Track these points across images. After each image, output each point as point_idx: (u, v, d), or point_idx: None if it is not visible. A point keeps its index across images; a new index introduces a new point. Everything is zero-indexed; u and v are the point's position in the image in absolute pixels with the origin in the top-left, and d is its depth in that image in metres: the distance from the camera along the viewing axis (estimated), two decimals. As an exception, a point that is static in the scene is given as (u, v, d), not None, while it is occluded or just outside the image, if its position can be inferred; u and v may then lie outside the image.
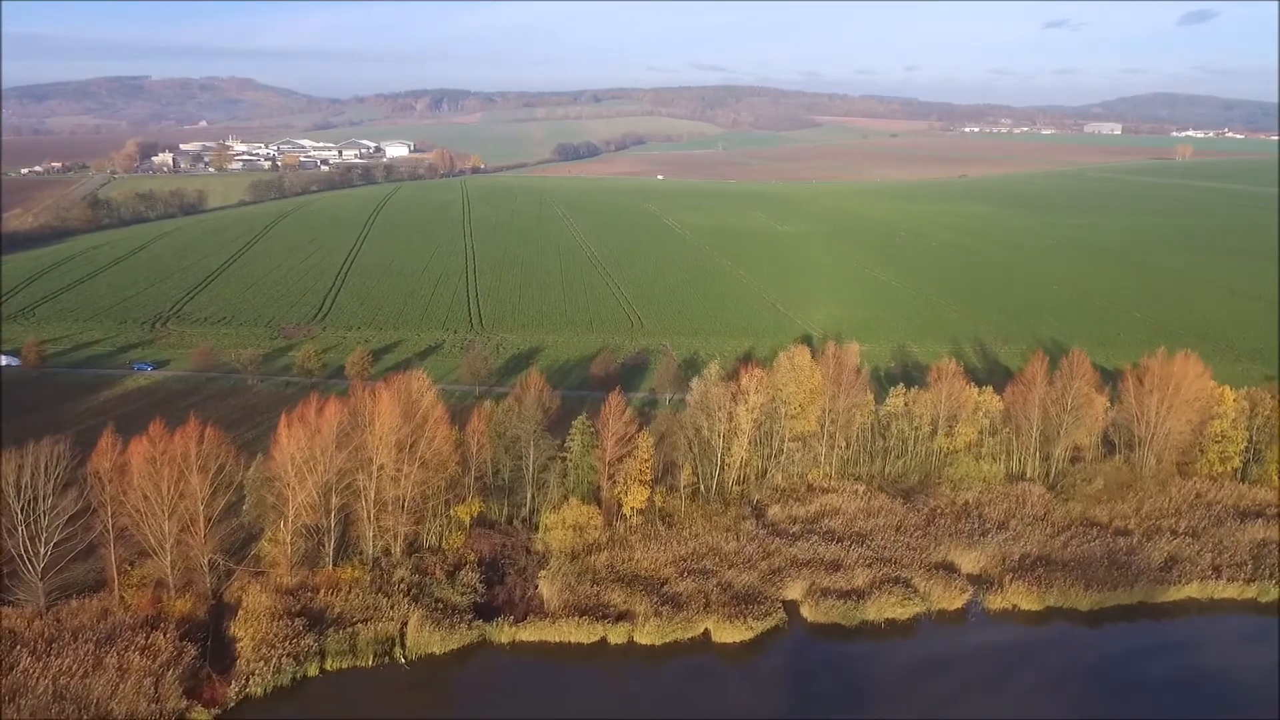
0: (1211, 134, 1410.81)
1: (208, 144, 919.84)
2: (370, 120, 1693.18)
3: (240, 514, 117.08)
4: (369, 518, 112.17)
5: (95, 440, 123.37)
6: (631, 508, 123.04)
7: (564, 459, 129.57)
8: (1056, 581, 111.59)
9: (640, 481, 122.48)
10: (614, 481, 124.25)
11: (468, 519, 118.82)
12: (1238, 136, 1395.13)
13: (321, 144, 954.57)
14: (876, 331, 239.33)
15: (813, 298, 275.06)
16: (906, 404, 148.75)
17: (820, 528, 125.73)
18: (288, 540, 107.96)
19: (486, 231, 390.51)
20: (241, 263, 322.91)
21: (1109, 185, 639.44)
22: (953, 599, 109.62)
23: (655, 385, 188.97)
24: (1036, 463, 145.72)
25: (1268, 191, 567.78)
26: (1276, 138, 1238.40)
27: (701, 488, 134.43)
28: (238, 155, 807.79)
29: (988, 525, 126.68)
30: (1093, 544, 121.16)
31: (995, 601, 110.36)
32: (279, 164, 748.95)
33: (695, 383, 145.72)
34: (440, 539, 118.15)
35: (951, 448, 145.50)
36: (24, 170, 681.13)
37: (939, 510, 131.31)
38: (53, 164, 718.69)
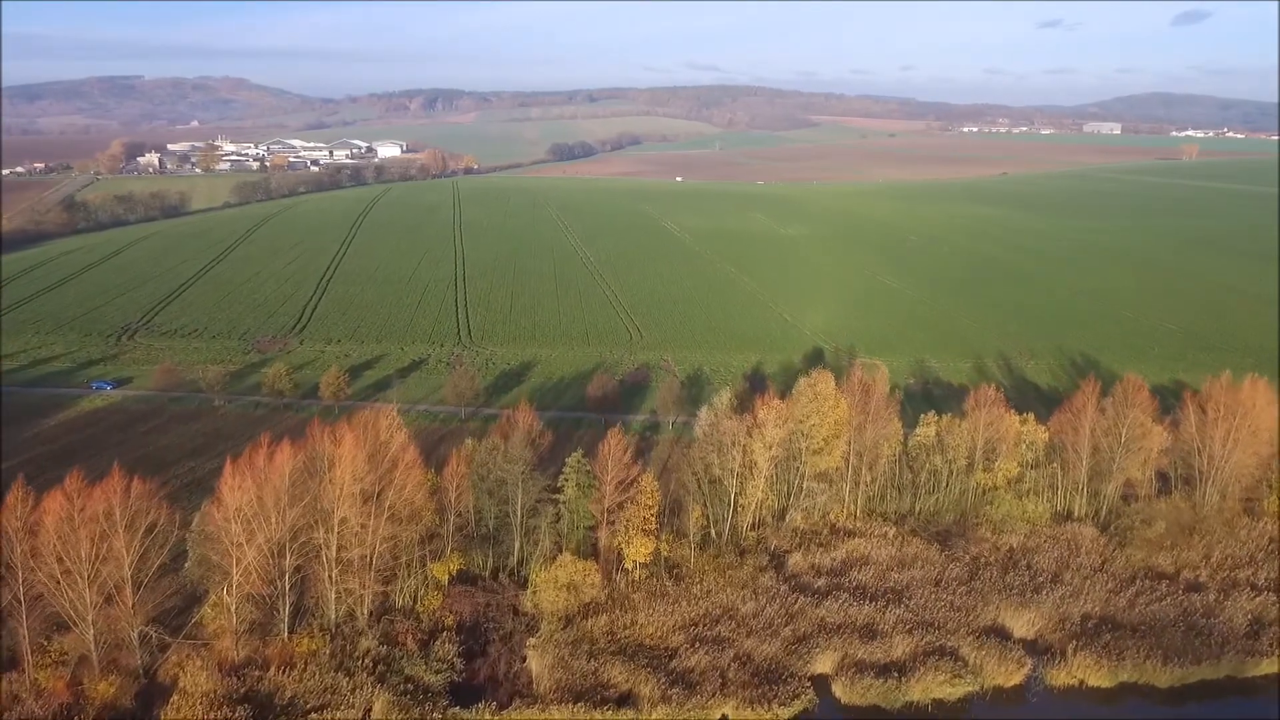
0: (1211, 134, 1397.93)
1: (196, 144, 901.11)
2: (364, 120, 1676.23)
3: (181, 572, 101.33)
4: (329, 579, 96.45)
5: (36, 475, 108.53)
6: (634, 561, 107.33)
7: (557, 501, 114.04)
8: (1128, 651, 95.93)
9: (644, 531, 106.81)
10: (613, 529, 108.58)
11: (445, 577, 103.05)
12: (1238, 136, 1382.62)
13: (312, 144, 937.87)
14: (892, 344, 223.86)
15: (822, 307, 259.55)
16: (939, 433, 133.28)
17: (849, 581, 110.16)
18: (233, 608, 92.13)
19: (478, 235, 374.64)
20: (219, 269, 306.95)
21: (1117, 186, 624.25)
22: (1009, 673, 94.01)
23: (657, 406, 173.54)
24: (1084, 500, 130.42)
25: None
26: (1277, 138, 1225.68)
27: (713, 532, 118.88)
28: (226, 156, 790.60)
29: (1039, 578, 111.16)
30: (1163, 602, 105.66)
31: (1058, 676, 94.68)
32: (267, 165, 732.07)
33: (704, 412, 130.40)
34: (414, 599, 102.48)
35: (991, 484, 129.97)
36: (5, 171, 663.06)
37: (982, 559, 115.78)
38: (35, 165, 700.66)
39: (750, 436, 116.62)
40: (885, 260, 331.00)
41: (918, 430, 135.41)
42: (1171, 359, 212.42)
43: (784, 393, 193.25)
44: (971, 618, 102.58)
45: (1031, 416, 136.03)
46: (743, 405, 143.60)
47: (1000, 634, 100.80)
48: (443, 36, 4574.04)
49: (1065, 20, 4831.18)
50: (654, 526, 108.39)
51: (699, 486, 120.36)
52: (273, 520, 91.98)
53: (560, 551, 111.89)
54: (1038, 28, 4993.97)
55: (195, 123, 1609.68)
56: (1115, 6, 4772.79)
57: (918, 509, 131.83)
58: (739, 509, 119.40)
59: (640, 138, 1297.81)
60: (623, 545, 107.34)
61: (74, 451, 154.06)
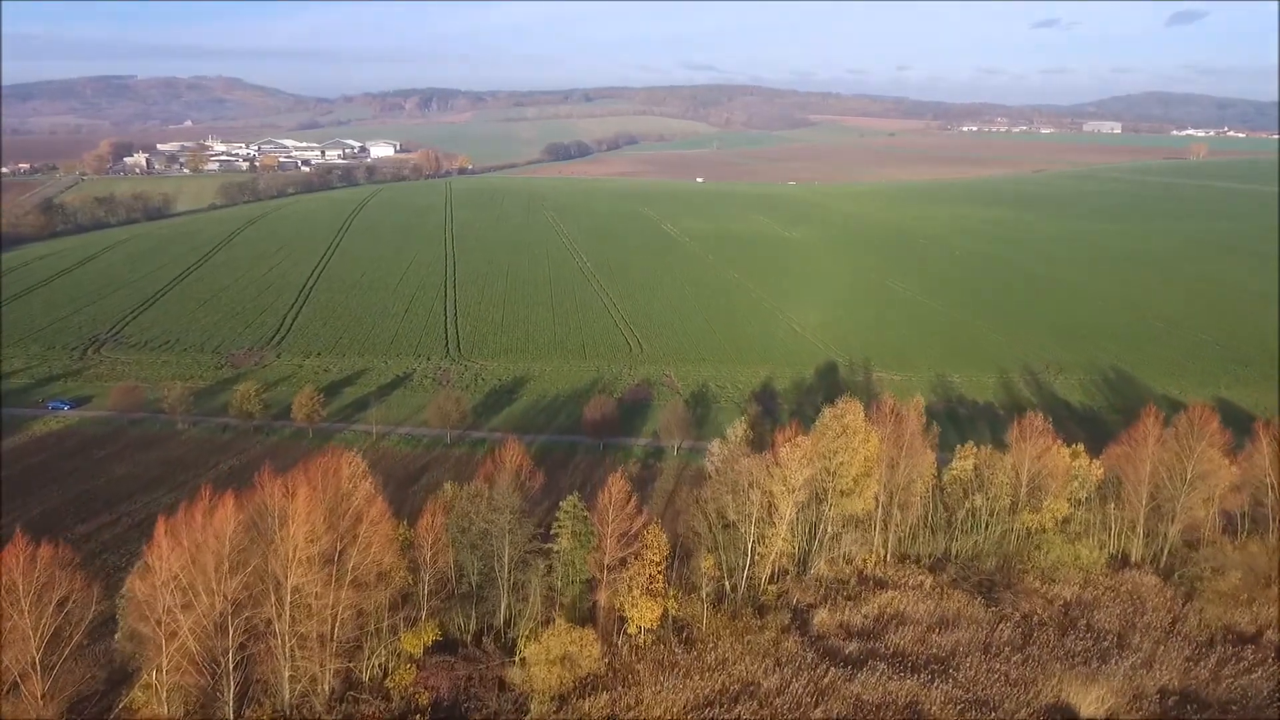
0: (1213, 133, 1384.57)
1: (185, 144, 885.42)
2: (358, 120, 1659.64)
3: (112, 643, 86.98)
4: (282, 655, 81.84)
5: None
6: (639, 626, 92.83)
7: (549, 551, 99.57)
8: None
9: (650, 592, 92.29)
10: (614, 589, 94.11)
11: (419, 648, 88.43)
12: (1240, 135, 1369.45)
13: (305, 144, 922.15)
14: (910, 357, 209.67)
15: (832, 316, 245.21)
16: (978, 467, 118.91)
17: (884, 646, 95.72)
18: (164, 694, 77.59)
19: (469, 238, 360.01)
20: (198, 275, 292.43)
21: (1128, 186, 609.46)
22: (1081, 767, 79.70)
23: (660, 429, 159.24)
24: (1141, 543, 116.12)
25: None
26: (1278, 137, 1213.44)
27: (727, 586, 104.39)
28: (215, 156, 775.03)
29: (1103, 641, 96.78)
30: (1253, 674, 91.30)
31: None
32: (257, 165, 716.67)
33: (716, 446, 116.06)
34: (383, 674, 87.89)
35: (1038, 525, 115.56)
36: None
37: (1034, 616, 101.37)
38: (20, 165, 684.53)
39: (770, 476, 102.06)
40: (895, 265, 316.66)
41: (953, 464, 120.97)
42: (1210, 374, 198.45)
43: (797, 411, 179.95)
44: (1031, 694, 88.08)
45: (1081, 448, 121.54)
46: (757, 434, 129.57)
47: (1066, 714, 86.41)
48: (438, 36, 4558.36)
49: (1060, 20, 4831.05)
50: (661, 586, 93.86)
51: (711, 532, 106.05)
52: (213, 589, 77.54)
53: (554, 608, 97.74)
54: (1033, 27, 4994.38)
55: (189, 122, 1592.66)
56: (1110, 6, 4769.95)
57: (954, 551, 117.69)
58: (757, 558, 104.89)
59: (637, 137, 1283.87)
60: (625, 607, 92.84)
61: (18, 484, 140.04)
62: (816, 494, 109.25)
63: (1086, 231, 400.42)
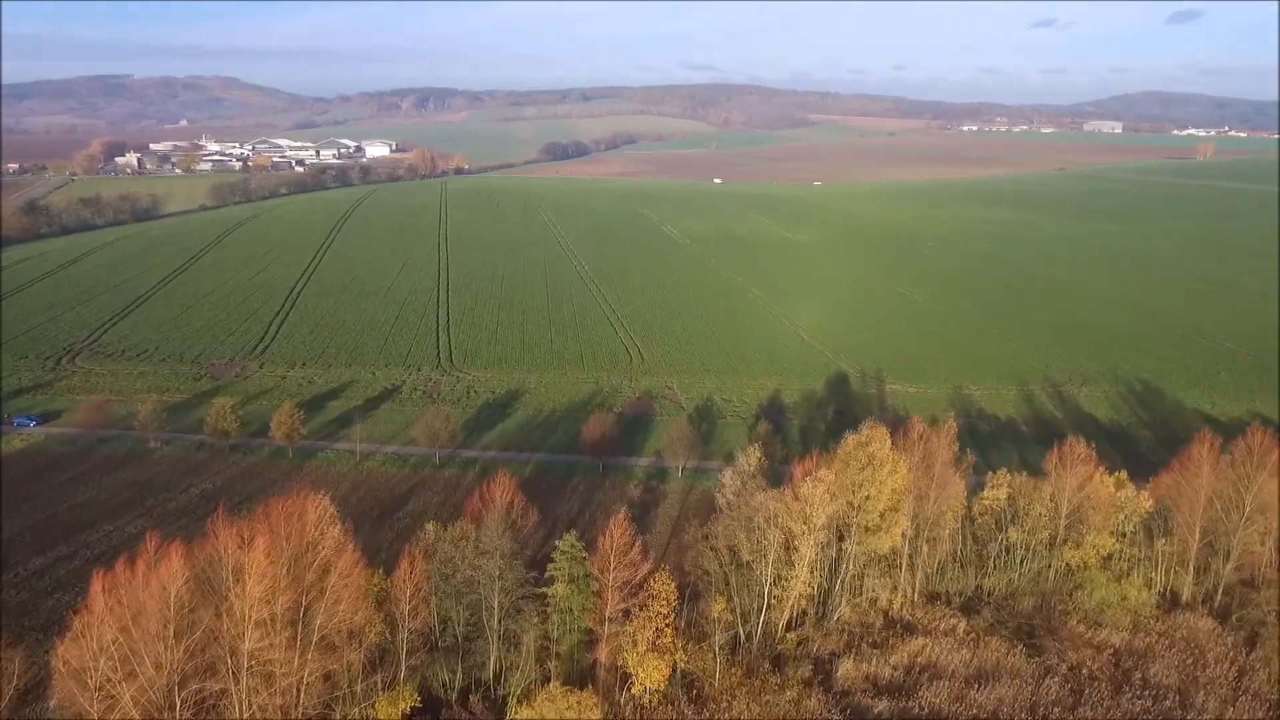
0: (1214, 132, 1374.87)
1: (179, 144, 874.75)
2: (355, 119, 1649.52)
3: (46, 710, 76.96)
4: (239, 726, 71.64)
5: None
6: (645, 685, 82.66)
7: (544, 595, 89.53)
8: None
9: (657, 649, 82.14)
10: (616, 643, 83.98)
11: (397, 716, 78.19)
12: (1242, 135, 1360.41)
13: (299, 143, 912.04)
14: (924, 368, 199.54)
15: (840, 323, 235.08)
16: (1012, 497, 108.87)
17: (918, 705, 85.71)
18: (99, 777, 67.29)
19: (464, 241, 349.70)
20: (182, 279, 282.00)
21: (1136, 187, 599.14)
22: None
23: (664, 448, 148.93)
24: (1191, 580, 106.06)
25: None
26: (1278, 136, 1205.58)
27: (741, 633, 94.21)
28: (209, 155, 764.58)
29: (1165, 699, 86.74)
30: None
31: None
32: (250, 165, 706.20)
33: (728, 476, 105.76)
34: (356, 743, 77.68)
35: (1081, 561, 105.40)
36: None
37: (1083, 669, 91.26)
38: (10, 165, 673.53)
39: (789, 513, 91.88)
40: (903, 269, 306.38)
41: (985, 493, 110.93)
42: (1241, 385, 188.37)
43: (808, 427, 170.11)
44: (1088, 766, 78.07)
45: (1124, 475, 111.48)
46: (770, 459, 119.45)
47: (1128, 789, 76.38)
48: (436, 35, 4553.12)
49: (1059, 20, 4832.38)
50: (669, 640, 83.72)
51: (723, 570, 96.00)
52: (158, 656, 67.34)
53: (550, 659, 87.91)
54: (1031, 27, 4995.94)
55: (184, 122, 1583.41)
56: (1108, 6, 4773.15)
57: (987, 589, 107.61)
58: (773, 602, 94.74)
59: (635, 137, 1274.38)
60: (630, 665, 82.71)
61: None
62: (839, 529, 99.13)
63: (1098, 233, 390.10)
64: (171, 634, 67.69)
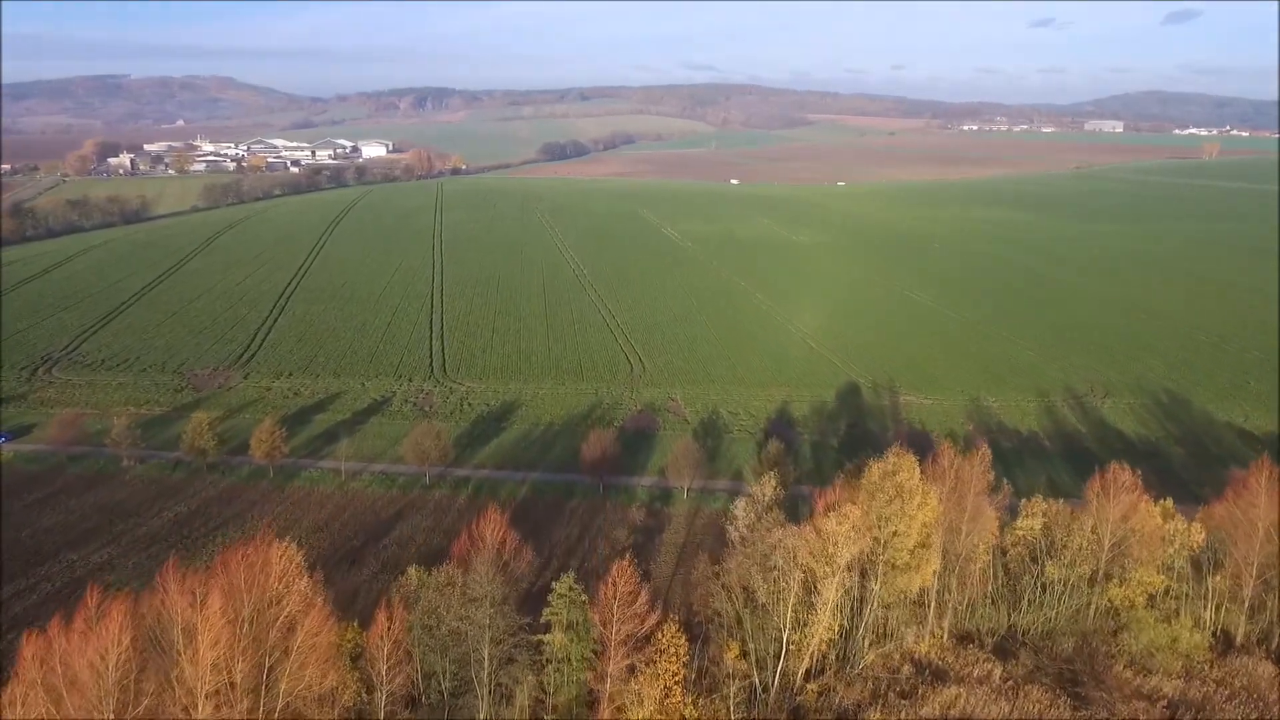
0: (1215, 132, 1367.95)
1: (173, 144, 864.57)
2: (352, 119, 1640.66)
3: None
4: (190, 809, 62.80)
5: None
6: (651, 750, 73.95)
7: (539, 642, 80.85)
8: None
9: (666, 712, 73.31)
10: (620, 703, 75.20)
11: (372, 789, 69.53)
12: (1244, 134, 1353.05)
13: (295, 143, 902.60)
14: (938, 378, 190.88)
15: (849, 329, 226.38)
16: (1048, 527, 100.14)
17: (955, 766, 76.92)
18: None
19: (459, 244, 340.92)
20: (168, 284, 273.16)
21: (1144, 188, 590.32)
22: None
23: (668, 467, 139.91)
24: (1245, 620, 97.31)
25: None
26: (1278, 135, 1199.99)
27: (757, 682, 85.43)
28: (203, 156, 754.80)
29: (1227, 761, 78.11)
30: None
31: None
32: (245, 165, 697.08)
33: (740, 507, 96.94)
34: (327, 819, 68.83)
35: (1126, 600, 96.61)
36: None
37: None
38: (4, 166, 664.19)
39: (811, 552, 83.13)
40: (911, 272, 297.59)
41: (1018, 522, 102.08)
42: (1273, 397, 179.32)
43: (819, 443, 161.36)
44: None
45: (1170, 504, 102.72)
46: (784, 482, 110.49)
47: None
48: (434, 35, 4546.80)
49: (1057, 20, 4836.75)
50: (679, 699, 74.96)
51: (734, 609, 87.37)
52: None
53: (545, 716, 79.31)
54: (1029, 27, 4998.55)
55: (181, 122, 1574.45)
56: (1106, 6, 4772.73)
57: (1021, 628, 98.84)
58: (792, 648, 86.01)
59: (634, 137, 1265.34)
60: (634, 727, 73.96)
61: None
62: (863, 566, 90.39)
63: (1109, 235, 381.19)
64: (111, 708, 59.11)
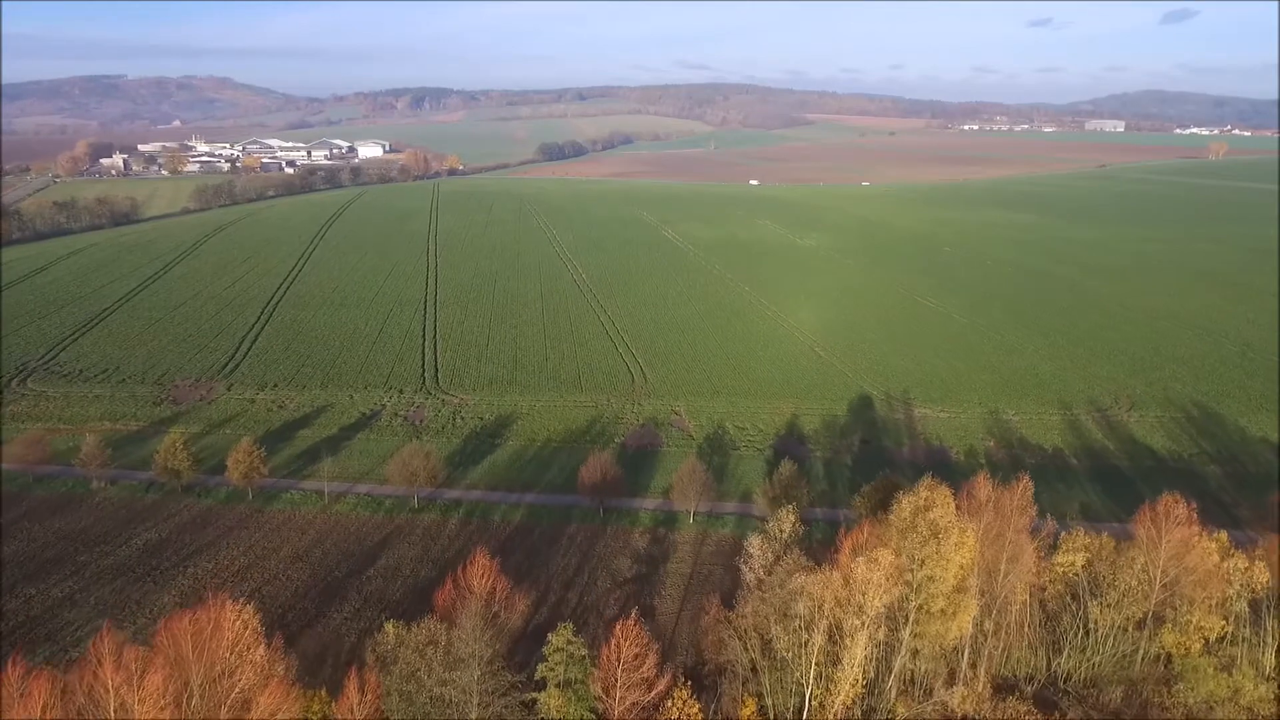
0: (1217, 131, 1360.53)
1: (167, 145, 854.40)
2: (349, 119, 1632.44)
3: None
4: None
5: None
6: (660, 832, 65.32)
7: (533, 701, 72.21)
8: None
9: (677, 791, 64.74)
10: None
11: None
12: (1245, 133, 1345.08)
13: (291, 144, 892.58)
14: (954, 389, 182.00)
15: (860, 338, 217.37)
16: (1090, 563, 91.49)
17: (1002, 846, 68.18)
18: None
19: (455, 247, 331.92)
20: (153, 289, 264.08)
21: (1155, 188, 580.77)
22: None
23: (674, 489, 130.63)
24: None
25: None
26: (1278, 135, 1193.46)
27: (775, 741, 76.78)
28: (197, 157, 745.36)
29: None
30: None
31: None
32: (239, 166, 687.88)
33: (755, 545, 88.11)
34: None
35: (1181, 646, 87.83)
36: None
37: (1200, 793, 73.94)
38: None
39: (838, 601, 74.41)
40: (922, 277, 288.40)
41: (1057, 558, 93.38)
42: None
43: (832, 460, 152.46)
44: None
45: (1225, 536, 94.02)
46: (797, 504, 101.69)
47: None
48: (432, 35, 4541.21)
49: (1054, 20, 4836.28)
50: (693, 774, 66.30)
51: (749, 656, 78.80)
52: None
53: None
54: (1027, 26, 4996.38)
55: (177, 122, 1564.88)
56: (1103, 6, 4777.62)
57: (1062, 673, 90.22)
58: (814, 705, 77.27)
59: (632, 136, 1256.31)
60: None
61: None
62: (892, 613, 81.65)
63: (1126, 238, 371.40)
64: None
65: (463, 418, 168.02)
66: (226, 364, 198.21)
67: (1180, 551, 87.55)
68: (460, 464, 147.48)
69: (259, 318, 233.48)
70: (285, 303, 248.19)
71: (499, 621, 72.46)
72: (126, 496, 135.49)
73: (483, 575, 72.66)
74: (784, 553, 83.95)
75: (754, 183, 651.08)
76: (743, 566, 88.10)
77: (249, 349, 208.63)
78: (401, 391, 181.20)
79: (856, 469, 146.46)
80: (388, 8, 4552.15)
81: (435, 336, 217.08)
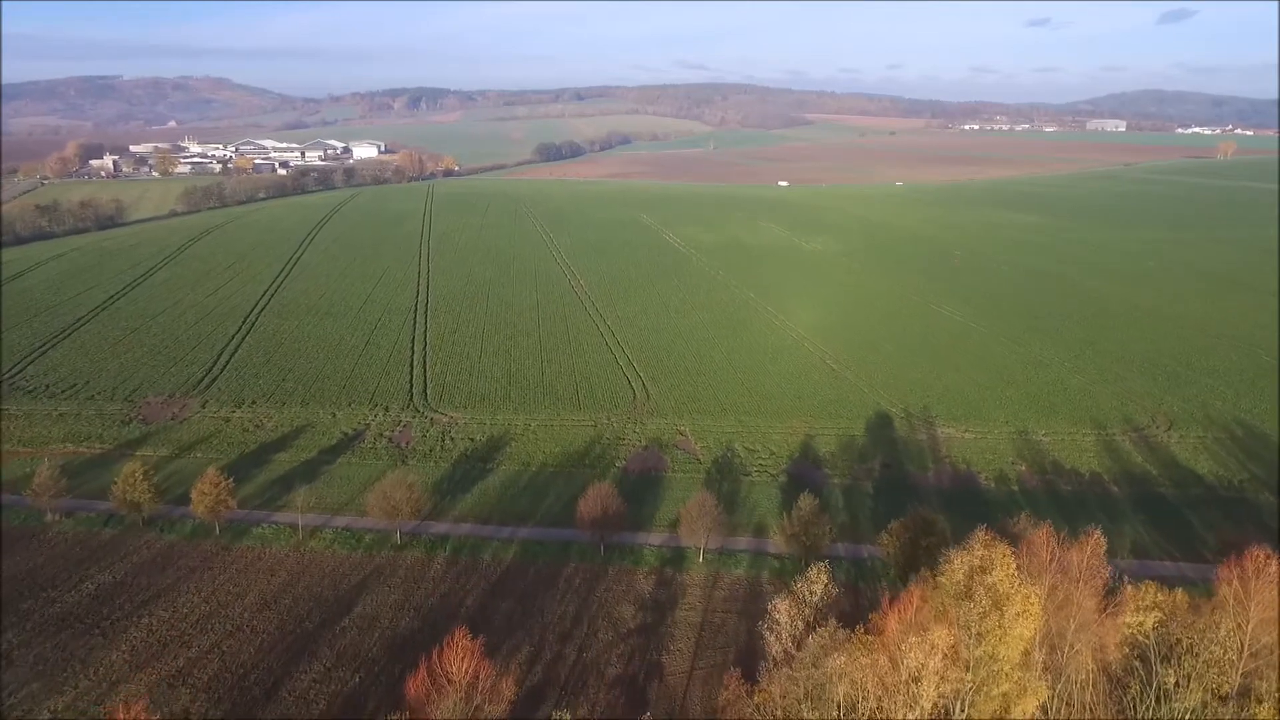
0: (1219, 130, 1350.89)
1: (159, 145, 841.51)
2: (345, 120, 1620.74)
3: None
4: None
5: None
6: None
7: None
8: None
9: None
10: None
11: None
12: (1247, 133, 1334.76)
13: (285, 145, 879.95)
14: (978, 406, 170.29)
15: (874, 350, 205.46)
16: (1162, 624, 79.66)
17: None
18: None
19: (448, 252, 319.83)
20: (131, 298, 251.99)
21: (1164, 189, 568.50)
22: None
23: (681, 525, 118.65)
24: None
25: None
26: (1278, 134, 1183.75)
27: None
28: (188, 158, 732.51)
29: None
30: None
31: None
32: (231, 167, 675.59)
33: (782, 610, 76.28)
34: None
35: (1273, 723, 76.17)
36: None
37: None
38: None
39: (884, 687, 62.64)
40: (934, 283, 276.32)
41: (1124, 618, 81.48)
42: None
43: (852, 488, 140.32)
44: None
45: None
46: (817, 541, 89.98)
47: None
48: (429, 35, 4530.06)
49: (1052, 20, 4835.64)
50: None
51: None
52: None
53: None
54: (1025, 26, 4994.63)
55: (173, 123, 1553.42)
56: (1101, 6, 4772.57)
57: (1129, 747, 78.41)
58: (856, 803, 65.51)
59: (630, 137, 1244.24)
60: None
61: None
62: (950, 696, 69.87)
63: (1133, 240, 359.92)
64: None
65: (452, 439, 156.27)
66: (202, 379, 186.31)
67: (1269, 613, 75.80)
68: (449, 491, 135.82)
69: (239, 328, 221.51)
70: (268, 312, 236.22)
71: (481, 713, 60.80)
72: (82, 532, 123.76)
73: (463, 659, 61.15)
74: (815, 620, 72.19)
75: (783, 184, 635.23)
76: (767, 634, 76.33)
77: (227, 362, 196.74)
78: (387, 409, 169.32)
79: (879, 497, 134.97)
80: (387, 8, 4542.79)
81: (425, 348, 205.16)
